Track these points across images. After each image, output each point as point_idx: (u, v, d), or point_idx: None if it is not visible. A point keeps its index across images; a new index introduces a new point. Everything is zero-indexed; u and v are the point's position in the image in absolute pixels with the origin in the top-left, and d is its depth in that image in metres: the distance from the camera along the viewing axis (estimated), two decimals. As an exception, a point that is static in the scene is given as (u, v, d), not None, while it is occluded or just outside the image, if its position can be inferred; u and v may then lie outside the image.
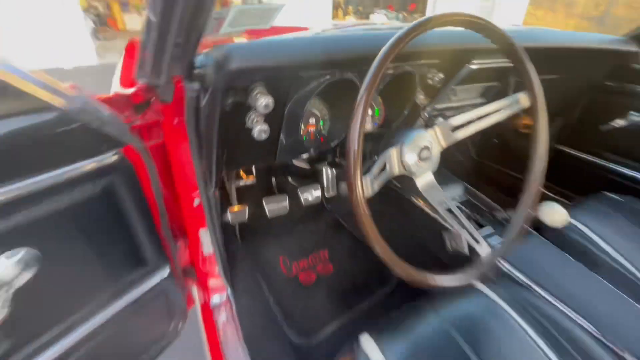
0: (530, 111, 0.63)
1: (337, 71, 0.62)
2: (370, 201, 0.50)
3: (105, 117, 0.48)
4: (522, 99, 0.62)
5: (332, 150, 0.83)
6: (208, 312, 0.85)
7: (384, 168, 0.57)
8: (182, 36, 0.43)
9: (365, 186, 0.51)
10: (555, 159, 1.36)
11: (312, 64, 0.57)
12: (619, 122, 1.19)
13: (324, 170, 1.06)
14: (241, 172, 1.01)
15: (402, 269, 0.51)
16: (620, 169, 1.21)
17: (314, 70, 0.60)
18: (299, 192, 1.10)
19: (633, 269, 0.80)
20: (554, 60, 1.02)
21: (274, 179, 1.19)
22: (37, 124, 0.42)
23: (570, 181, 1.32)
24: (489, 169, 1.43)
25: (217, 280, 0.86)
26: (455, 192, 1.12)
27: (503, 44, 0.59)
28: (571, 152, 1.34)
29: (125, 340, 0.70)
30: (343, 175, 0.89)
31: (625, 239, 0.86)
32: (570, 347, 0.59)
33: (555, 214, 0.82)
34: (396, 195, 1.18)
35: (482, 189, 1.25)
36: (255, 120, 0.61)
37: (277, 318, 0.90)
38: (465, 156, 1.56)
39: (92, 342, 0.60)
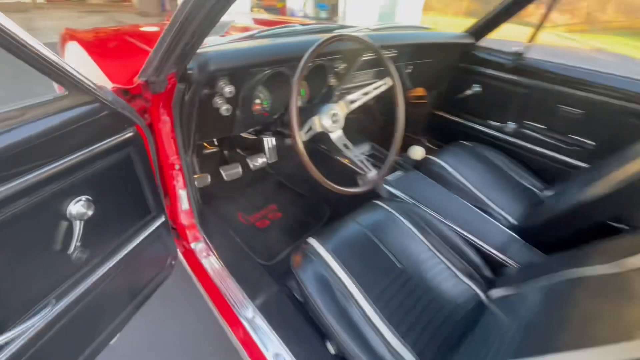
0: (392, 88, 1.02)
1: (274, 67, 0.93)
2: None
3: (123, 104, 0.72)
4: (388, 81, 1.01)
5: (274, 122, 1.14)
6: (191, 255, 1.11)
7: (310, 128, 0.91)
8: (194, 38, 0.68)
9: (301, 136, 0.85)
10: (432, 120, 1.88)
11: (259, 63, 0.87)
12: (468, 92, 1.72)
13: (265, 140, 1.36)
14: (205, 144, 1.25)
15: (326, 183, 0.87)
16: (470, 124, 1.76)
17: (260, 67, 0.90)
18: (248, 161, 1.39)
19: (473, 189, 1.29)
20: (423, 50, 1.47)
21: (226, 152, 1.45)
22: (88, 110, 0.65)
23: (442, 135, 1.84)
24: (390, 130, 1.90)
25: (194, 230, 1.13)
26: (364, 148, 1.53)
27: (373, 49, 0.97)
28: (442, 114, 1.86)
29: (134, 276, 0.94)
30: (289, 132, 1.20)
31: (469, 169, 1.36)
32: (436, 234, 1.02)
33: (417, 152, 1.28)
34: (324, 155, 1.55)
35: (385, 145, 1.70)
36: (220, 102, 0.89)
37: (245, 250, 1.20)
38: (374, 122, 1.99)
39: (108, 279, 0.82)
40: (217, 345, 1.21)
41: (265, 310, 0.91)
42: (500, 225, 1.13)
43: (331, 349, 0.82)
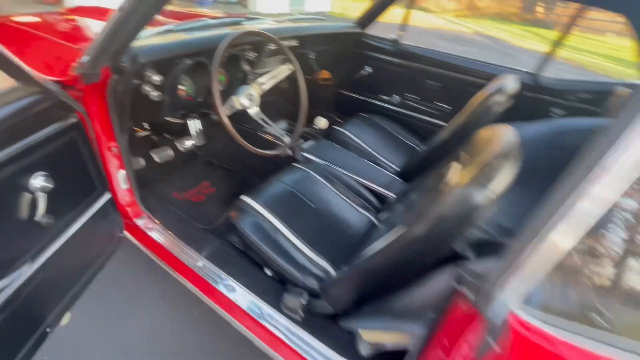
0: (294, 73, 1.29)
1: (194, 58, 1.11)
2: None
3: (65, 93, 0.84)
4: (289, 66, 1.27)
5: (199, 105, 1.32)
6: (137, 230, 1.24)
7: (231, 106, 1.13)
8: (130, 35, 0.82)
9: (224, 111, 1.06)
10: (338, 98, 2.22)
11: (181, 55, 1.05)
12: (363, 73, 2.09)
13: (191, 123, 1.51)
14: (136, 129, 1.35)
15: (246, 145, 1.11)
16: (367, 99, 2.14)
17: (181, 58, 1.07)
18: (177, 144, 1.53)
19: (368, 148, 1.65)
20: (320, 39, 1.76)
21: (155, 137, 1.55)
22: (37, 100, 0.77)
23: (347, 110, 2.20)
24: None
25: (135, 207, 1.26)
26: (282, 125, 1.79)
27: (275, 42, 1.21)
28: (345, 92, 2.21)
29: (85, 250, 1.07)
30: (213, 112, 1.36)
31: (366, 135, 1.72)
32: (341, 183, 1.33)
33: (321, 122, 1.60)
34: (248, 133, 1.76)
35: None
36: (149, 90, 1.05)
37: (186, 219, 1.37)
38: (290, 103, 2.25)
39: (61, 255, 0.94)
40: (176, 297, 1.37)
41: (213, 258, 1.13)
42: (387, 172, 1.51)
43: (268, 272, 1.09)
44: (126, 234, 1.27)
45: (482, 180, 0.55)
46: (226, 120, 1.05)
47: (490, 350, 0.41)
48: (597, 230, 0.38)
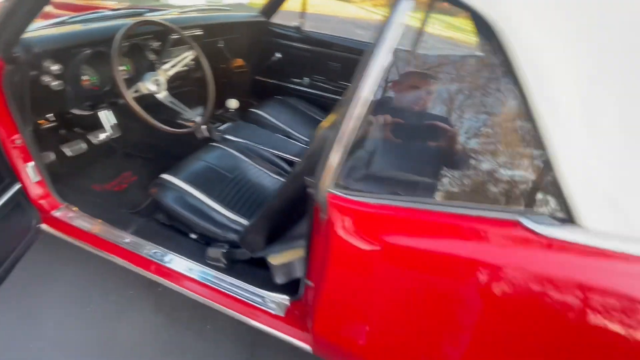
0: (197, 59, 1.41)
1: (93, 47, 1.17)
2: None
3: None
4: (192, 53, 1.39)
5: (106, 94, 1.36)
6: (56, 221, 1.26)
7: (137, 91, 1.21)
8: (20, 25, 0.87)
9: (129, 94, 1.15)
10: (255, 84, 2.36)
11: (78, 44, 1.11)
12: (274, 59, 2.25)
13: (102, 114, 1.54)
14: (41, 122, 1.34)
15: (157, 124, 1.21)
16: (281, 83, 2.32)
17: (79, 48, 1.13)
18: (90, 137, 1.55)
19: (282, 125, 1.83)
20: (226, 28, 1.87)
21: (64, 132, 1.54)
22: None
23: (264, 94, 2.35)
24: (221, 95, 2.27)
25: (51, 199, 1.28)
26: (198, 111, 1.88)
27: (173, 30, 1.32)
28: (261, 78, 2.36)
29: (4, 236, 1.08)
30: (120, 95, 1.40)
31: (279, 114, 1.90)
32: (257, 156, 1.49)
33: (232, 103, 1.74)
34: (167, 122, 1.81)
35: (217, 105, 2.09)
36: (49, 80, 1.09)
37: (108, 205, 1.41)
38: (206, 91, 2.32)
39: None
40: (109, 280, 1.41)
41: (139, 233, 1.22)
42: (298, 143, 1.71)
43: (194, 236, 1.22)
44: (46, 227, 1.28)
45: (336, 122, 0.76)
46: (132, 102, 1.14)
47: (324, 221, 0.64)
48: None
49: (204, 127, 1.52)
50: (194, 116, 1.39)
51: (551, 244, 0.48)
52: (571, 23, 0.46)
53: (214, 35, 1.79)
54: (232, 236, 1.14)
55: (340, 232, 0.63)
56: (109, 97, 1.38)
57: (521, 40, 0.47)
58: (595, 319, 0.46)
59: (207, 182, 1.27)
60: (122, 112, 1.52)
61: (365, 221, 0.62)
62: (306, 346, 0.97)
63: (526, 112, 0.48)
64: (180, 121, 1.77)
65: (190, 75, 1.70)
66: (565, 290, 0.47)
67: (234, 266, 1.13)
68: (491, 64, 0.52)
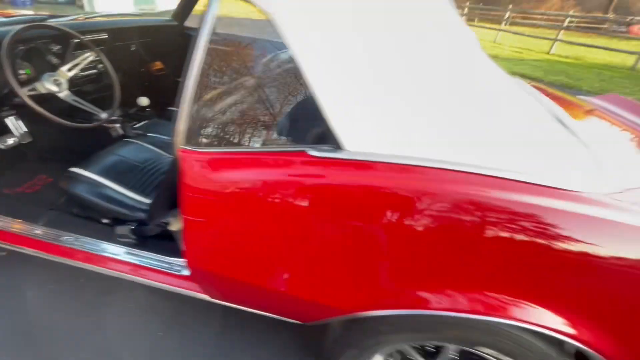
0: (99, 60, 1.51)
1: None
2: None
3: None
4: (92, 54, 1.49)
5: (6, 97, 1.40)
6: None
7: (34, 89, 1.29)
8: None
9: (24, 92, 1.23)
10: (175, 86, 2.45)
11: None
12: (191, 60, 2.37)
13: (8, 120, 1.56)
14: None
15: (54, 119, 1.30)
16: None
17: None
18: (-6, 144, 1.56)
19: None
20: (135, 32, 1.97)
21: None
22: None
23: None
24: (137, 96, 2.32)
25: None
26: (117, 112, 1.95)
27: (70, 34, 1.41)
28: (180, 80, 2.46)
29: None
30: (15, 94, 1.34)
31: None
32: (169, 146, 1.61)
33: (143, 101, 1.85)
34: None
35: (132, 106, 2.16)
36: None
37: (26, 206, 1.45)
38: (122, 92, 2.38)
39: None
40: (27, 279, 1.45)
41: (52, 224, 1.30)
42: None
43: (105, 221, 1.32)
44: None
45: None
46: (27, 99, 1.22)
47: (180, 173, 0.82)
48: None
49: (117, 125, 1.62)
50: (98, 110, 1.48)
51: (323, 163, 0.70)
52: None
53: (123, 40, 1.88)
54: (141, 215, 1.27)
55: (187, 178, 0.82)
56: (9, 99, 1.43)
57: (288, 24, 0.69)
58: (342, 214, 0.69)
59: (116, 171, 1.37)
60: (33, 119, 1.56)
61: (204, 166, 0.82)
62: (211, 299, 1.13)
63: (300, 72, 0.70)
64: (94, 122, 1.84)
65: (103, 79, 1.77)
66: (331, 192, 0.70)
67: (145, 242, 1.25)
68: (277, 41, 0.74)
